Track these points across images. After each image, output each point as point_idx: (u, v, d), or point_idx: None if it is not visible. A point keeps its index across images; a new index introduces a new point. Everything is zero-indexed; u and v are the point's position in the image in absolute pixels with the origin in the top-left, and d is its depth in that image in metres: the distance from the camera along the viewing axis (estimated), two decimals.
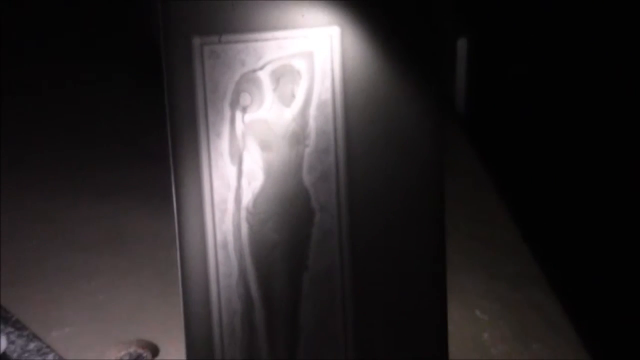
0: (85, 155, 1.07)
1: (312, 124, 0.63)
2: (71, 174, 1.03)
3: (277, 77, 0.62)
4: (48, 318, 0.83)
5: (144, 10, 0.71)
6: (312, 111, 0.63)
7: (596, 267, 1.20)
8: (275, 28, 0.65)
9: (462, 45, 1.18)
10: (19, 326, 0.83)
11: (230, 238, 0.64)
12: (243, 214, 0.64)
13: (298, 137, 0.63)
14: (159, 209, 0.76)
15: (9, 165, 1.04)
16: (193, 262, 0.68)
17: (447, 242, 0.65)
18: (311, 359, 0.71)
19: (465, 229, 0.74)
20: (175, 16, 0.64)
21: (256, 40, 0.63)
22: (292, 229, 0.66)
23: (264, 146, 0.63)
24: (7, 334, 0.83)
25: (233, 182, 0.63)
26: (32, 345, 0.82)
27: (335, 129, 0.63)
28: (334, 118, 0.63)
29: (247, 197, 0.64)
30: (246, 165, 0.63)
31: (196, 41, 0.62)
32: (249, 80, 0.63)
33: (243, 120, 0.62)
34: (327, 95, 0.62)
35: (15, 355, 0.82)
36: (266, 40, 0.63)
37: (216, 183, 0.64)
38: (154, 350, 0.79)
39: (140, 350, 0.81)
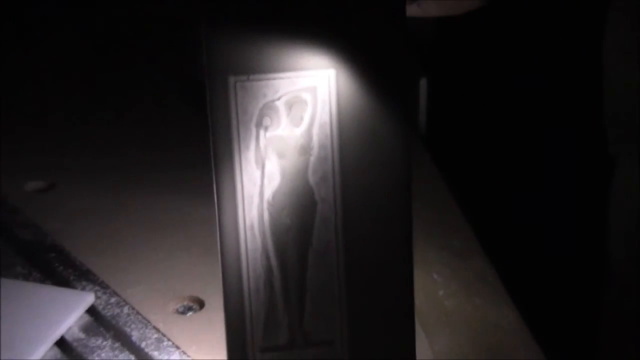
0: (153, 160, 1.05)
1: (315, 139, 0.65)
2: (145, 176, 1.02)
3: (290, 105, 0.63)
4: (124, 280, 0.84)
5: (194, 56, 0.70)
6: (315, 130, 0.64)
7: (521, 241, 1.19)
8: (288, 70, 0.69)
9: (423, 83, 1.15)
10: (103, 286, 0.83)
11: (256, 223, 0.66)
12: (265, 205, 0.66)
13: (305, 149, 0.64)
14: (204, 202, 0.75)
15: (108, 171, 1.02)
16: (229, 240, 0.71)
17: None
18: (314, 310, 0.74)
19: (423, 215, 0.73)
20: (216, 61, 0.69)
21: (274, 79, 0.65)
22: (300, 216, 0.71)
23: (280, 155, 0.64)
24: (95, 291, 0.82)
25: (257, 181, 0.64)
26: (112, 300, 0.82)
27: (332, 143, 0.66)
28: (331, 135, 0.66)
29: (267, 193, 0.65)
30: (267, 169, 0.64)
31: (231, 79, 0.63)
32: (269, 108, 0.63)
33: (265, 137, 0.64)
34: (326, 118, 0.65)
35: (100, 307, 0.81)
36: (282, 78, 0.66)
37: (245, 182, 0.64)
38: (201, 304, 0.80)
39: (190, 304, 0.81)
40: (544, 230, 1.30)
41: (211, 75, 0.68)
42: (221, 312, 0.73)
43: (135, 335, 0.80)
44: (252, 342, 0.73)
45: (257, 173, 0.70)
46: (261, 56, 0.68)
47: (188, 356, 0.78)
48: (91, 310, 0.83)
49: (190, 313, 0.84)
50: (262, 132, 0.69)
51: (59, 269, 0.89)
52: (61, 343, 0.79)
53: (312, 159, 0.70)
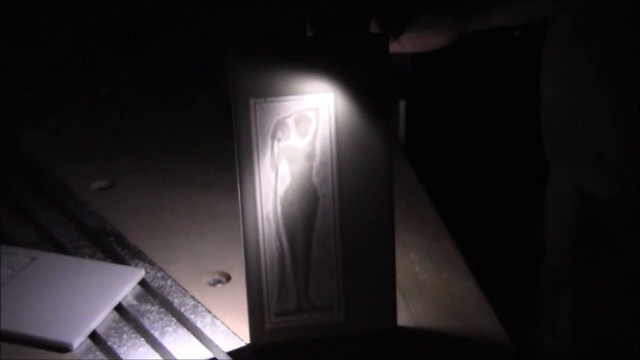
0: (192, 165, 1.04)
1: (318, 148, 0.63)
2: (185, 177, 1.01)
3: (298, 121, 0.62)
4: (168, 258, 0.83)
5: (222, 81, 0.70)
6: (318, 141, 0.63)
7: (480, 227, 1.18)
8: (297, 93, 0.70)
9: (402, 105, 1.14)
10: (151, 263, 0.84)
11: (271, 214, 0.64)
12: (278, 200, 0.64)
13: (310, 156, 0.63)
14: (230, 198, 0.74)
15: (157, 173, 1.02)
16: (250, 228, 0.71)
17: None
18: (317, 282, 0.75)
19: (402, 207, 0.72)
20: (240, 87, 0.69)
21: (286, 100, 0.63)
22: (306, 208, 0.68)
23: (290, 161, 0.62)
24: (145, 268, 0.81)
25: (272, 182, 0.62)
26: (158, 274, 0.81)
27: (331, 151, 0.64)
28: (331, 145, 0.65)
29: (280, 191, 0.64)
30: (280, 172, 0.63)
31: (251, 101, 0.62)
32: (281, 123, 0.63)
33: (278, 146, 0.63)
34: (327, 132, 0.63)
35: (149, 280, 0.81)
36: (291, 100, 0.64)
37: (262, 182, 0.63)
38: (228, 277, 0.78)
39: (219, 277, 0.79)
40: (498, 219, 1.30)
41: (236, 98, 0.68)
42: (244, 284, 0.73)
43: (176, 302, 0.79)
44: (268, 308, 0.73)
45: (272, 175, 0.69)
46: (275, 83, 0.68)
47: (218, 319, 0.77)
48: (142, 283, 0.82)
49: (219, 285, 0.83)
50: (276, 143, 0.69)
51: (117, 250, 0.88)
52: (119, 308, 0.78)
53: (316, 164, 0.70)
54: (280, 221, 0.69)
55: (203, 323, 0.76)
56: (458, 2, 0.68)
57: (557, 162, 0.80)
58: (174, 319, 0.77)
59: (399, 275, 0.74)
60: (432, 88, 1.35)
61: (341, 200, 0.69)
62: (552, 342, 0.85)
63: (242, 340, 0.74)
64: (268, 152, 0.67)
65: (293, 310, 0.73)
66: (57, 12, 1.46)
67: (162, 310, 0.78)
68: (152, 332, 0.75)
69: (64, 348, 0.71)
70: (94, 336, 0.74)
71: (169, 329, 0.76)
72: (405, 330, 0.75)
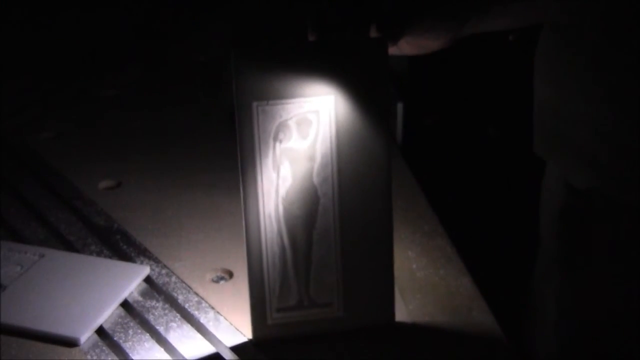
0: (196, 165, 1.04)
1: (318, 150, 0.63)
2: (189, 177, 1.02)
3: (299, 123, 0.62)
4: (172, 256, 0.83)
5: (225, 83, 0.70)
6: (319, 143, 0.63)
7: (474, 225, 1.18)
8: (298, 96, 0.70)
9: (399, 106, 1.14)
10: (156, 260, 0.83)
11: (273, 213, 0.64)
12: (280, 199, 0.65)
13: (310, 157, 0.63)
14: (233, 197, 0.74)
15: (162, 174, 1.02)
16: (252, 226, 0.71)
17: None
18: (317, 279, 0.74)
19: (400, 206, 0.72)
20: (243, 91, 0.69)
21: (287, 103, 0.64)
22: (307, 208, 0.68)
23: (291, 162, 0.63)
24: (150, 265, 0.81)
25: (274, 182, 0.63)
26: (163, 272, 0.81)
27: (331, 153, 0.65)
28: (331, 146, 0.65)
29: (282, 190, 0.65)
30: (281, 173, 0.63)
31: (254, 104, 0.62)
32: (283, 126, 0.63)
33: (280, 148, 0.63)
34: (327, 134, 0.64)
35: (154, 277, 0.81)
36: (293, 103, 0.64)
37: (265, 182, 0.63)
38: (231, 274, 0.78)
39: (222, 274, 0.79)
40: (493, 218, 1.30)
41: (239, 101, 0.68)
42: (246, 281, 0.73)
43: (180, 299, 0.79)
44: (270, 304, 0.73)
45: (274, 175, 0.69)
46: (277, 86, 0.68)
47: (221, 315, 0.78)
48: (147, 280, 0.81)
49: (222, 282, 0.83)
50: (277, 144, 0.69)
51: (123, 248, 0.88)
52: (125, 304, 0.78)
53: (316, 165, 0.70)
54: (282, 220, 0.69)
55: (206, 319, 0.77)
56: (455, 7, 0.69)
57: (546, 156, 0.81)
58: (178, 314, 0.77)
59: (396, 272, 0.74)
60: (429, 90, 1.35)
61: (341, 200, 0.70)
62: (542, 334, 0.85)
63: (244, 335, 0.75)
64: (270, 153, 0.68)
65: (294, 306, 0.73)
66: (62, 15, 1.47)
67: (166, 306, 0.78)
68: (157, 327, 0.75)
69: (72, 343, 0.71)
70: (100, 331, 0.71)
71: (174, 324, 0.76)
72: (402, 325, 0.75)
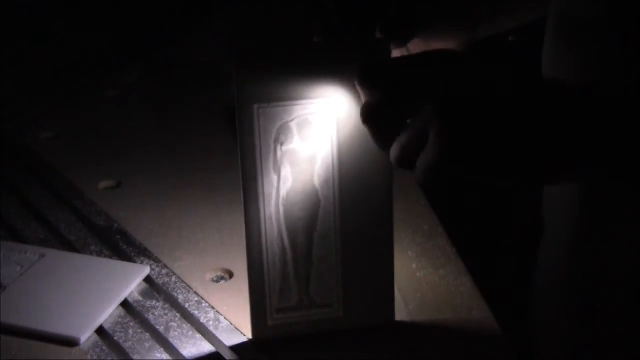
0: (197, 165, 1.04)
1: (319, 152, 0.64)
2: (190, 178, 1.01)
3: (301, 126, 0.62)
4: (173, 256, 0.83)
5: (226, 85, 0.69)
6: (320, 146, 0.63)
7: (474, 224, 1.17)
8: (299, 99, 0.69)
9: None
10: (156, 260, 0.84)
11: (273, 215, 0.64)
12: (280, 201, 0.64)
13: (311, 159, 0.62)
14: (234, 198, 0.74)
15: (163, 174, 1.02)
16: (253, 227, 0.70)
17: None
18: (317, 280, 0.74)
19: (399, 207, 0.72)
20: (244, 92, 0.69)
21: (288, 105, 0.63)
22: (308, 209, 0.67)
23: (292, 164, 0.62)
24: (150, 265, 0.81)
25: (275, 184, 0.62)
26: (163, 271, 0.81)
27: (332, 155, 0.64)
28: (332, 149, 0.64)
29: (283, 192, 0.64)
30: (282, 175, 0.63)
31: (255, 106, 0.62)
32: (284, 128, 0.62)
33: (281, 150, 0.62)
34: (329, 137, 0.62)
35: (154, 277, 0.80)
36: (294, 105, 0.63)
37: (265, 184, 0.62)
38: (231, 274, 0.78)
39: (223, 274, 0.79)
40: (493, 217, 1.29)
41: (240, 103, 0.67)
42: (246, 281, 0.72)
43: (180, 299, 0.79)
44: (270, 304, 0.72)
45: (275, 177, 0.68)
46: (279, 88, 0.67)
47: (221, 314, 0.77)
48: (147, 279, 0.82)
49: (222, 282, 0.82)
50: (278, 147, 0.68)
51: (123, 248, 0.88)
52: (125, 304, 0.78)
53: (317, 167, 0.69)
54: (282, 221, 0.69)
55: (206, 318, 0.76)
56: (463, 14, 0.67)
57: None
58: (178, 314, 0.77)
59: (396, 272, 0.74)
60: None
61: (342, 202, 0.69)
62: (547, 336, 0.84)
63: (244, 335, 0.74)
64: (271, 155, 0.67)
65: (294, 306, 0.72)
66: (63, 15, 1.46)
67: (166, 306, 0.78)
68: (157, 327, 0.75)
69: (72, 342, 0.70)
70: (100, 331, 0.74)
71: (174, 324, 0.75)
72: (402, 325, 0.75)
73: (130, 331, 0.74)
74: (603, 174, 0.49)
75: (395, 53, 0.69)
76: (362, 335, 0.73)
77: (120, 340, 0.73)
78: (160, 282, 0.81)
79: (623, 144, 0.44)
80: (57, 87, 1.32)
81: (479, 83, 0.48)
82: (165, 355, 0.72)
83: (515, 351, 0.73)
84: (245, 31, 1.35)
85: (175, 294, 0.80)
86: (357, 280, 0.73)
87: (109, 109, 1.27)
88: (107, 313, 0.76)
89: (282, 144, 0.68)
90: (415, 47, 0.69)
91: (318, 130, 0.68)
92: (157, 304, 0.78)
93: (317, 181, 0.69)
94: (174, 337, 0.74)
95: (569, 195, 0.77)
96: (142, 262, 0.85)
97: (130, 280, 0.80)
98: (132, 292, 0.80)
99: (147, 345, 0.73)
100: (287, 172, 0.69)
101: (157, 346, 0.72)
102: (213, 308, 0.78)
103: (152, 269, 0.84)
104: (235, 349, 0.72)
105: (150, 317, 0.77)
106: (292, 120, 0.68)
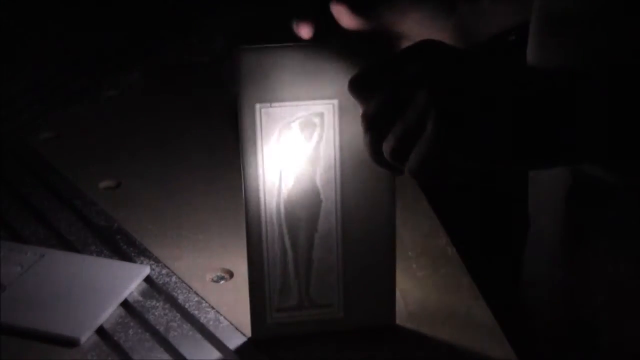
0: (197, 164, 1.03)
1: (321, 152, 0.63)
2: (191, 177, 1.01)
3: (303, 126, 0.61)
4: (172, 256, 0.83)
5: (230, 89, 0.69)
6: (322, 145, 0.63)
7: (473, 224, 1.16)
8: (302, 99, 0.69)
9: None
10: (156, 260, 0.84)
11: (274, 215, 0.64)
12: (281, 201, 0.64)
13: (313, 160, 0.62)
14: (235, 198, 0.73)
15: (163, 173, 1.02)
16: (253, 226, 0.70)
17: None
18: (317, 280, 0.73)
19: (400, 207, 0.72)
20: (246, 92, 0.68)
21: (291, 106, 0.63)
22: (309, 210, 0.67)
23: (294, 164, 0.62)
24: (150, 265, 0.80)
25: (276, 184, 0.62)
26: (163, 271, 0.80)
27: (335, 156, 0.65)
28: (334, 149, 0.64)
29: (284, 192, 0.64)
30: (284, 175, 0.67)
31: (257, 106, 0.61)
32: (286, 128, 0.63)
33: (283, 150, 0.60)
34: (331, 137, 0.63)
35: (154, 277, 0.80)
36: (297, 105, 0.63)
37: (267, 184, 0.63)
38: (231, 274, 0.78)
39: (223, 274, 0.79)
40: (492, 217, 1.29)
41: (242, 103, 0.66)
42: (246, 281, 0.71)
43: (180, 299, 0.78)
44: (270, 304, 0.72)
45: (276, 177, 0.68)
46: (281, 88, 0.66)
47: (220, 314, 0.76)
48: (147, 279, 0.82)
49: (222, 282, 0.82)
50: (280, 147, 0.67)
51: (123, 248, 0.87)
52: (125, 304, 0.77)
53: (319, 167, 0.68)
54: (283, 221, 0.68)
55: (206, 318, 0.75)
56: None
57: None
58: (178, 314, 0.76)
59: (396, 272, 0.73)
60: None
61: (343, 203, 0.68)
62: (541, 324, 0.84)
63: (244, 335, 0.73)
64: (272, 155, 0.66)
65: (294, 306, 0.72)
66: (63, 15, 1.45)
67: (166, 306, 0.77)
68: (157, 327, 0.74)
69: (72, 342, 0.69)
70: (100, 331, 0.74)
71: (174, 324, 0.75)
72: (402, 325, 0.74)
73: (130, 331, 0.74)
74: (598, 156, 0.50)
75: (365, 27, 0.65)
76: (362, 335, 0.73)
77: (120, 340, 0.73)
78: (160, 282, 0.81)
79: (614, 126, 0.46)
80: (57, 87, 1.32)
81: (472, 69, 0.48)
82: (165, 355, 0.71)
83: (515, 351, 0.72)
84: (247, 30, 1.34)
85: (175, 294, 0.79)
86: (358, 282, 0.72)
87: (109, 109, 1.26)
88: (107, 313, 0.75)
89: (283, 144, 0.67)
90: (389, 26, 0.67)
91: (321, 130, 0.67)
92: (157, 304, 0.78)
93: (318, 181, 0.69)
94: (174, 337, 0.73)
95: (554, 193, 0.77)
96: (142, 262, 0.84)
97: (130, 280, 0.80)
98: (132, 292, 0.79)
99: (147, 345, 0.72)
100: (288, 172, 0.68)
101: (157, 346, 0.72)
102: (213, 308, 0.77)
103: (152, 269, 0.83)
104: (235, 348, 0.72)
105: (150, 317, 0.76)
106: (294, 121, 0.67)
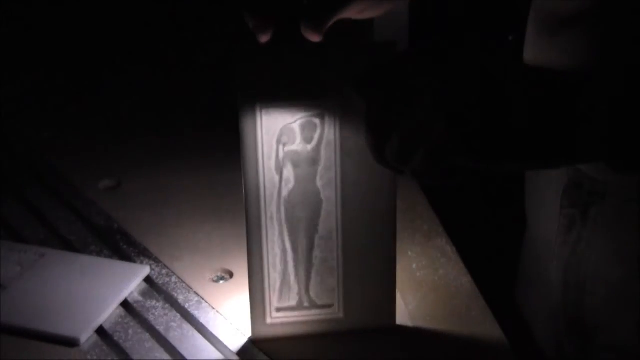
0: (197, 166, 1.04)
1: (322, 153, 0.62)
2: (190, 178, 1.02)
3: (304, 127, 0.61)
4: (173, 256, 0.84)
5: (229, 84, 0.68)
6: (323, 147, 0.62)
7: (473, 225, 1.16)
8: (303, 99, 0.67)
9: None
10: (156, 260, 0.83)
11: (275, 215, 0.64)
12: (282, 202, 0.63)
13: (314, 161, 0.62)
14: (235, 198, 0.73)
15: (162, 174, 1.03)
16: (253, 227, 0.70)
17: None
18: (318, 281, 0.73)
19: (400, 207, 0.72)
20: (247, 93, 0.68)
21: (292, 106, 0.64)
22: (309, 210, 0.67)
23: (295, 165, 0.62)
24: (150, 265, 0.80)
25: (276, 184, 0.62)
26: (163, 271, 0.80)
27: (335, 157, 0.65)
28: (335, 150, 0.64)
29: (284, 193, 0.64)
30: (284, 175, 0.63)
31: (258, 106, 0.60)
32: (287, 128, 0.62)
33: (283, 151, 0.62)
34: (332, 138, 0.63)
35: (154, 277, 0.80)
36: (298, 106, 0.68)
37: (267, 184, 0.62)
38: (231, 274, 0.77)
39: (223, 274, 0.78)
40: (492, 217, 1.29)
41: (242, 103, 0.66)
42: (246, 281, 0.71)
43: (180, 299, 0.78)
44: (270, 304, 0.71)
45: (276, 178, 0.67)
46: (282, 89, 0.66)
47: (220, 314, 0.76)
48: (147, 279, 0.82)
49: (222, 281, 0.82)
50: (281, 147, 0.67)
51: (123, 248, 0.87)
52: (125, 304, 0.77)
53: (320, 168, 0.68)
54: (284, 222, 0.68)
55: (206, 318, 0.75)
56: None
57: None
58: (178, 314, 0.76)
59: (396, 272, 0.73)
60: None
61: (344, 204, 0.68)
62: (539, 326, 0.83)
63: (244, 335, 0.73)
64: (273, 156, 0.66)
65: (294, 306, 0.72)
66: (64, 13, 1.45)
67: (166, 306, 0.77)
68: (157, 327, 0.74)
69: (72, 342, 0.70)
70: (100, 331, 0.74)
71: (174, 324, 0.75)
72: (402, 325, 0.74)
73: (130, 331, 0.74)
74: (600, 155, 0.50)
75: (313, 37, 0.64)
76: (362, 335, 0.73)
77: (120, 340, 0.73)
78: (161, 282, 0.81)
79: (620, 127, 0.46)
80: (57, 87, 1.32)
81: (478, 71, 0.48)
82: (165, 355, 0.71)
83: (514, 351, 0.72)
84: (248, 30, 1.33)
85: (175, 294, 0.79)
86: (359, 282, 0.72)
87: (108, 109, 1.26)
88: (107, 313, 0.75)
89: (284, 145, 0.67)
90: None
91: (321, 131, 0.67)
92: (157, 304, 0.78)
93: (319, 182, 0.68)
94: (174, 337, 0.73)
95: (550, 193, 0.77)
96: (142, 262, 0.84)
97: (130, 280, 0.80)
98: (132, 292, 0.79)
99: (147, 345, 0.72)
100: (289, 172, 0.68)
101: (157, 346, 0.72)
102: (213, 308, 0.77)
103: (152, 269, 0.83)
104: (235, 348, 0.72)
105: (150, 317, 0.76)
106: (295, 121, 0.67)
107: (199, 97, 1.27)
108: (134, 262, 0.84)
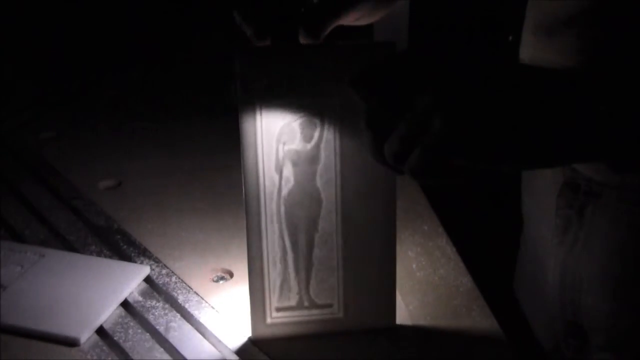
0: (196, 166, 1.04)
1: (322, 152, 0.62)
2: (190, 178, 1.03)
3: (304, 126, 0.60)
4: (173, 256, 0.82)
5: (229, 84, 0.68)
6: (322, 145, 0.62)
7: (473, 225, 1.16)
8: (302, 99, 0.68)
9: None
10: (156, 260, 0.82)
11: (274, 214, 0.64)
12: (282, 201, 0.64)
13: (314, 159, 0.61)
14: (235, 197, 0.73)
15: (162, 174, 1.02)
16: (253, 226, 0.69)
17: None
18: (318, 280, 0.73)
19: (400, 207, 0.71)
20: (246, 91, 0.68)
21: (292, 105, 0.62)
22: (309, 210, 0.68)
23: (294, 164, 0.61)
24: (150, 265, 0.80)
25: (276, 183, 0.61)
26: (163, 271, 0.80)
27: (335, 156, 0.64)
28: (335, 149, 0.64)
29: (284, 192, 0.64)
30: (284, 174, 0.62)
31: (257, 105, 0.60)
32: (287, 127, 0.64)
33: (283, 150, 0.62)
34: (331, 137, 0.63)
35: (154, 277, 0.79)
36: (298, 105, 0.64)
37: (267, 183, 0.62)
38: (231, 274, 0.76)
39: (223, 274, 0.78)
40: (492, 217, 1.29)
41: (242, 102, 0.66)
42: (247, 281, 0.71)
43: (180, 299, 0.78)
44: (270, 303, 0.71)
45: (276, 177, 0.67)
46: (282, 88, 0.66)
47: (221, 315, 0.76)
48: (147, 279, 0.81)
49: (222, 281, 0.81)
50: (280, 146, 0.67)
51: (123, 248, 0.87)
52: (125, 304, 0.77)
53: (320, 167, 0.68)
54: (284, 221, 0.68)
55: (206, 318, 0.75)
56: None
57: None
58: (178, 314, 0.76)
59: (397, 272, 0.73)
60: None
61: (344, 203, 0.68)
62: (537, 322, 0.83)
63: (243, 335, 0.73)
64: (273, 155, 0.66)
65: (294, 306, 0.71)
66: (64, 14, 1.45)
67: (166, 306, 0.77)
68: (157, 327, 0.74)
69: (72, 342, 0.69)
70: (100, 331, 0.73)
71: (174, 324, 0.75)
72: (402, 325, 0.74)
73: (130, 331, 0.74)
74: (605, 153, 0.50)
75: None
76: (362, 335, 0.73)
77: (120, 340, 0.72)
78: (160, 282, 0.81)
79: (620, 125, 0.46)
80: (57, 87, 1.32)
81: (476, 70, 0.48)
82: (165, 356, 0.71)
83: (515, 352, 0.72)
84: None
85: (176, 294, 0.79)
86: (359, 282, 0.72)
87: (109, 109, 1.26)
88: (107, 313, 0.75)
89: (284, 144, 0.67)
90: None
91: (321, 130, 0.67)
92: (157, 304, 0.78)
93: (319, 181, 0.68)
94: (174, 337, 0.73)
95: (546, 192, 0.77)
96: (142, 262, 0.84)
97: (130, 280, 0.80)
98: (132, 292, 0.79)
99: (147, 345, 0.72)
100: (288, 171, 0.68)
101: (157, 346, 0.72)
102: (213, 307, 0.77)
103: (152, 269, 0.83)
104: (235, 348, 0.72)
105: (150, 317, 0.76)
106: (294, 120, 0.67)
107: (199, 96, 1.27)
108: (134, 262, 0.84)
